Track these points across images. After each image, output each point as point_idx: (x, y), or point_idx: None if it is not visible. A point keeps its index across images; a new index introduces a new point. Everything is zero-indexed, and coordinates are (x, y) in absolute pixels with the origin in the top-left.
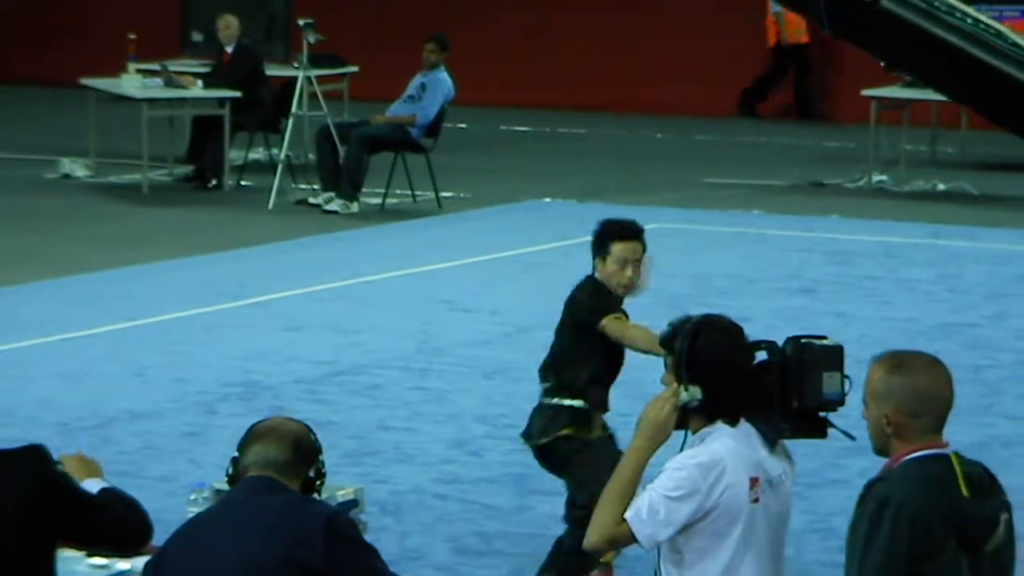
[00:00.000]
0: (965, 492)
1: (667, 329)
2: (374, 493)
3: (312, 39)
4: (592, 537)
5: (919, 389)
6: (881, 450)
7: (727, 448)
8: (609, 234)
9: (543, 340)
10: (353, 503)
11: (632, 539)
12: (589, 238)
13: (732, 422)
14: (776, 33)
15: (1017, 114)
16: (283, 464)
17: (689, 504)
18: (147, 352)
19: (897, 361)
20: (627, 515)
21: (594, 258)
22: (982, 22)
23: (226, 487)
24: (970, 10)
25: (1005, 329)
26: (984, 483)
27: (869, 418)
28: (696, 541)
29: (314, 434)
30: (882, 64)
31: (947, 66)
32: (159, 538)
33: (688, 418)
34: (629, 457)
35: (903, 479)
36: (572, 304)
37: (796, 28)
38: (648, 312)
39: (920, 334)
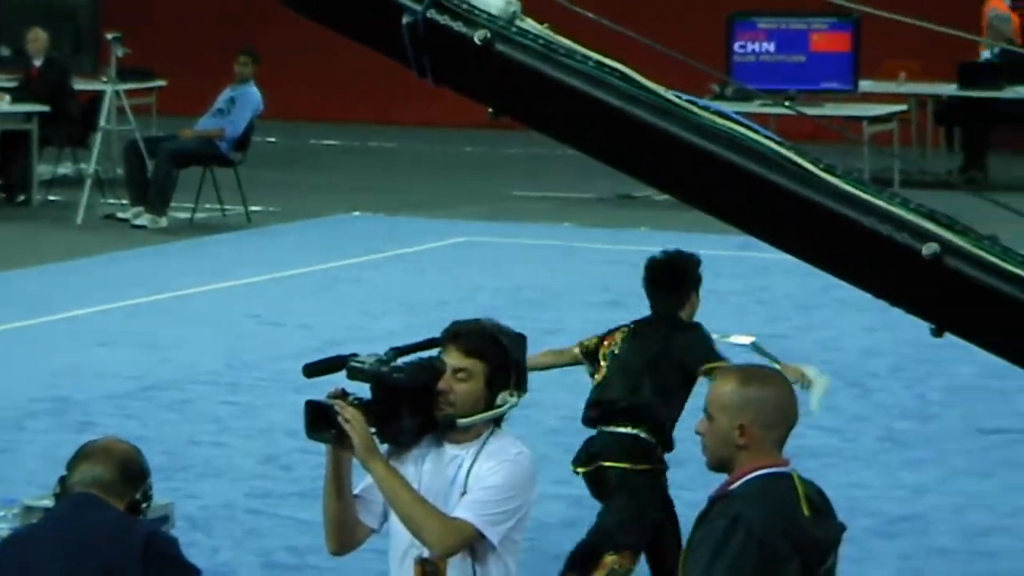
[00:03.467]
0: (807, 512)
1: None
2: (184, 508)
3: (120, 53)
4: (447, 541)
5: (776, 401)
6: (721, 464)
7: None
8: (698, 268)
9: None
10: (163, 519)
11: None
12: (399, 251)
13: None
14: None
15: (648, 157)
16: (108, 483)
17: (524, 496)
18: None
19: (749, 374)
20: (469, 517)
21: (687, 293)
22: (606, 65)
23: (38, 503)
24: (592, 53)
25: (813, 340)
26: (821, 503)
27: (714, 431)
28: (515, 534)
29: (143, 457)
30: (489, 111)
31: (569, 112)
32: None
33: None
34: (393, 478)
35: (752, 497)
36: (684, 351)
37: None
38: None
39: (731, 346)
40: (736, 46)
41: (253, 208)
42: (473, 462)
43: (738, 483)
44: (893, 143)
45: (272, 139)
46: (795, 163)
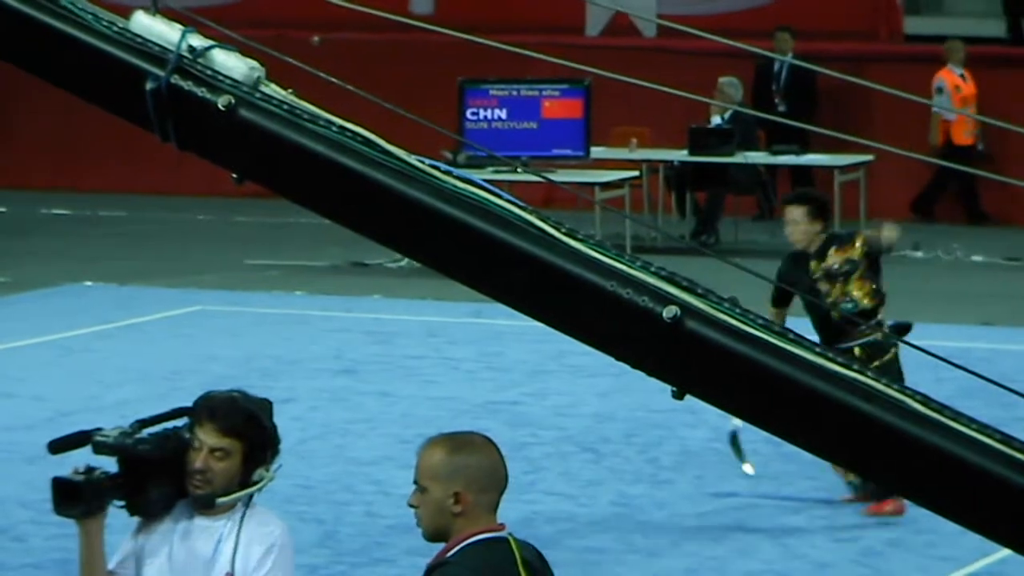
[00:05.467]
0: (524, 575)
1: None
2: None
3: None
4: None
5: (485, 466)
6: (438, 534)
7: None
8: None
9: (85, 423)
10: None
11: None
12: (132, 320)
13: None
14: None
15: (390, 222)
16: None
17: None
18: None
19: (457, 441)
20: None
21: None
22: (349, 130)
23: None
24: (335, 118)
25: (546, 406)
26: (540, 566)
27: (427, 501)
28: None
29: None
30: (233, 177)
31: (313, 177)
32: None
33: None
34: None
35: (469, 563)
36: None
37: None
38: (191, 394)
39: (464, 412)
40: (468, 113)
41: None
42: (236, 542)
43: (455, 550)
44: (625, 208)
45: (2, 209)
46: (537, 227)
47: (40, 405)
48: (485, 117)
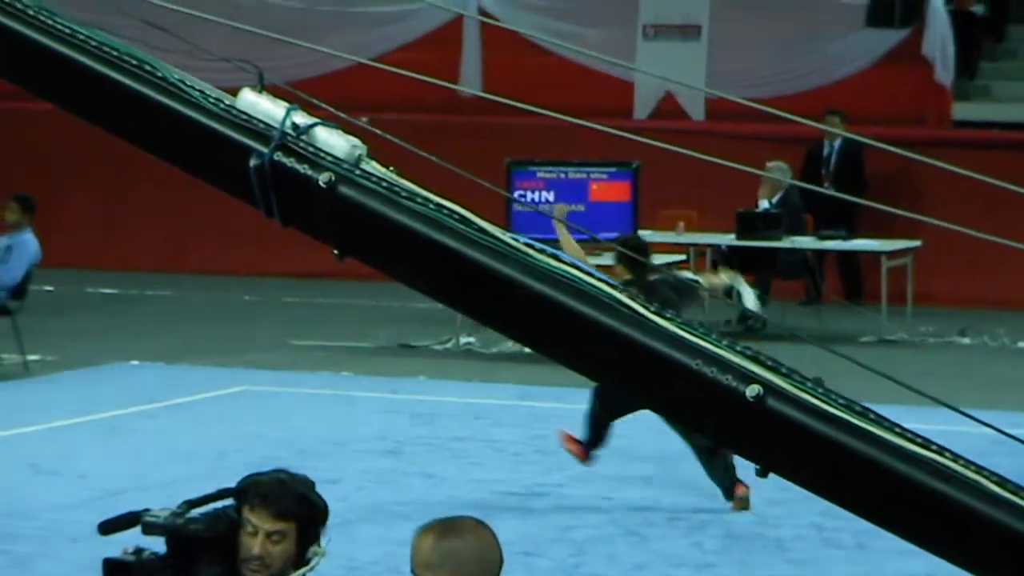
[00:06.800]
0: None
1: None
2: None
3: None
4: None
5: (474, 551)
6: None
7: None
8: None
9: (131, 502)
10: None
11: None
12: (178, 400)
13: None
14: None
15: (485, 299)
16: None
17: None
18: None
19: (445, 527)
20: None
21: None
22: (445, 207)
23: None
24: (432, 196)
25: (591, 489)
26: None
27: None
28: None
29: None
30: (335, 253)
31: (411, 253)
32: None
33: None
34: None
35: None
36: None
37: None
38: (236, 474)
39: (509, 495)
40: (516, 195)
41: (31, 357)
42: None
43: None
44: None
45: (49, 288)
46: (626, 305)
47: (86, 484)
48: (532, 199)
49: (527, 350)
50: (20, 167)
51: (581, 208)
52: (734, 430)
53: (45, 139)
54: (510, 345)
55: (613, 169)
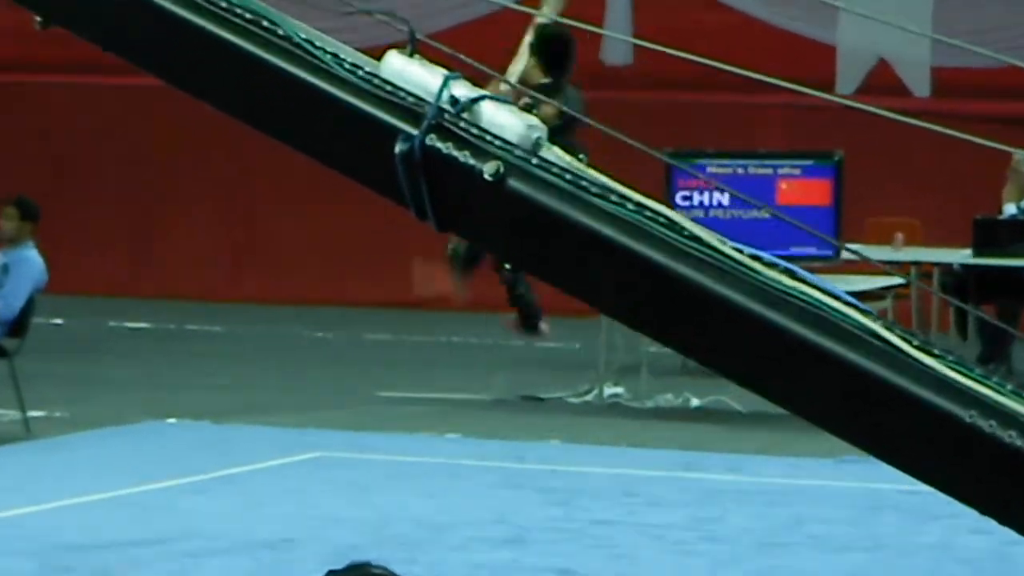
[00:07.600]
0: None
1: None
2: None
3: None
4: None
5: None
6: None
7: None
8: None
9: None
10: None
11: None
12: (229, 470)
13: None
14: None
15: (696, 328)
16: None
17: None
18: None
19: None
20: None
21: None
22: (648, 208)
23: None
24: (632, 192)
25: None
26: None
27: None
28: None
29: None
30: (507, 268)
31: (601, 268)
32: None
33: None
34: None
35: None
36: None
37: None
38: (305, 571)
39: None
40: (678, 197)
41: (33, 413)
42: None
43: None
44: None
45: (59, 320)
46: (881, 338)
47: None
48: (700, 203)
49: (693, 403)
50: (35, 172)
51: (764, 214)
52: (1015, 499)
53: (64, 139)
54: (670, 397)
55: (809, 162)
